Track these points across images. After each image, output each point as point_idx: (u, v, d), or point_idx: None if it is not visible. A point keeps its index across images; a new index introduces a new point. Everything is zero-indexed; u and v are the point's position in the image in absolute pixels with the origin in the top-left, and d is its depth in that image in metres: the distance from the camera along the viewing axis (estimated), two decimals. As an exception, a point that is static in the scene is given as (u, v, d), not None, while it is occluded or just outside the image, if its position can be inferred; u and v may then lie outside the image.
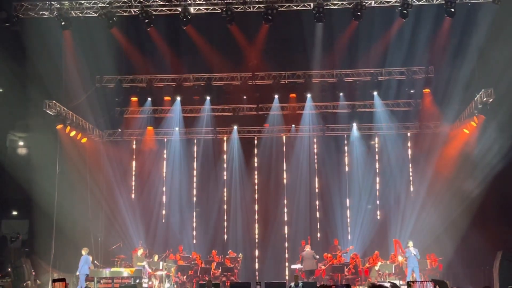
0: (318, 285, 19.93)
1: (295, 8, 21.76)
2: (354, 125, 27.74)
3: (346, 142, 28.34)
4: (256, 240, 27.84)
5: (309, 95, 26.93)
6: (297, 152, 28.22)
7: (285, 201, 28.20)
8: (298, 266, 24.19)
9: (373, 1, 21.51)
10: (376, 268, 23.41)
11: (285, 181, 28.47)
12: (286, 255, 27.37)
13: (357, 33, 23.58)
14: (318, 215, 27.97)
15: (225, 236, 28.14)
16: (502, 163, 22.06)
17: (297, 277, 20.39)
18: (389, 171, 27.53)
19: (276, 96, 27.10)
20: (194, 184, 28.82)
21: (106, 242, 26.49)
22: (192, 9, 21.70)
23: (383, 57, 25.23)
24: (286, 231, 27.81)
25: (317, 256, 23.72)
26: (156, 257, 24.27)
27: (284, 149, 28.62)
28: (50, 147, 24.33)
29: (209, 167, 28.89)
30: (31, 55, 22.62)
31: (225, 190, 28.74)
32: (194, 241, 28.00)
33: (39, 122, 24.59)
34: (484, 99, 22.57)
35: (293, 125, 28.07)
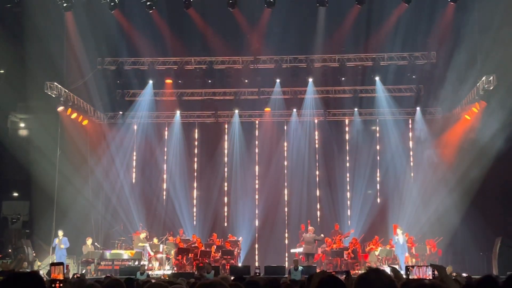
0: (317, 270, 19.98)
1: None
2: (356, 110, 27.67)
3: (347, 127, 28.31)
4: (256, 224, 27.88)
5: (310, 80, 26.88)
6: (298, 137, 28.19)
7: (286, 185, 28.25)
8: (298, 250, 24.28)
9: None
10: (376, 253, 23.51)
11: (285, 165, 28.49)
12: (286, 239, 27.44)
13: (360, 18, 23.48)
14: (318, 199, 28.02)
15: (225, 220, 28.20)
16: (503, 149, 22.06)
17: (297, 261, 20.46)
18: (389, 156, 27.49)
19: (278, 80, 27.01)
20: (195, 168, 28.83)
21: (107, 224, 26.56)
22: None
23: (386, 42, 25.13)
24: (286, 215, 27.85)
25: (318, 238, 23.75)
26: (156, 240, 24.37)
27: (285, 134, 28.61)
28: (51, 128, 24.35)
29: (210, 151, 28.86)
30: (32, 36, 22.52)
31: (225, 174, 28.76)
32: (195, 224, 28.05)
33: (40, 103, 24.58)
34: (486, 86, 22.50)
35: (294, 110, 28.02)
